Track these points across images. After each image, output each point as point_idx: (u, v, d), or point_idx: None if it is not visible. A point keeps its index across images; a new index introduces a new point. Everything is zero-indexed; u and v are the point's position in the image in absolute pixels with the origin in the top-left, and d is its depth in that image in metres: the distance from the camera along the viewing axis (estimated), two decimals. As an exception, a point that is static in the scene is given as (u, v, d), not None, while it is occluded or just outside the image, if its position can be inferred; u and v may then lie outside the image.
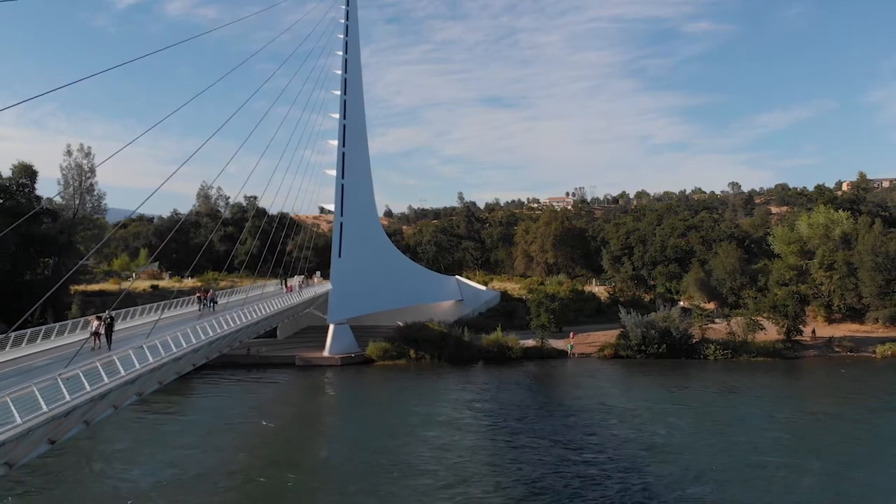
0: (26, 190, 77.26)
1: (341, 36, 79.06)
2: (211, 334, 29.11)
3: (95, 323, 29.41)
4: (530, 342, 70.85)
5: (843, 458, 37.35)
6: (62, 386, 17.32)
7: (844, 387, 58.65)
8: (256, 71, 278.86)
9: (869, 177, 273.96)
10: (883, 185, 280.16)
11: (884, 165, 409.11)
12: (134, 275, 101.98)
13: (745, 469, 35.28)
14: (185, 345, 26.60)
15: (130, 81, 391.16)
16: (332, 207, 74.93)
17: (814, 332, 76.68)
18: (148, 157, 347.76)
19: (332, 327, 66.99)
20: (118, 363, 20.76)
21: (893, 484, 34.09)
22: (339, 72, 77.69)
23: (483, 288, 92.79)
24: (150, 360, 23.16)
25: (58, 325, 31.90)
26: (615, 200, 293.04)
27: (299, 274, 75.95)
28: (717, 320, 76.02)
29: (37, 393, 16.54)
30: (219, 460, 36.28)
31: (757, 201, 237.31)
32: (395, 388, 57.52)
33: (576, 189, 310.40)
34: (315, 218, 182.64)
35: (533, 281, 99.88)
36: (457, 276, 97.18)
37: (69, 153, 74.25)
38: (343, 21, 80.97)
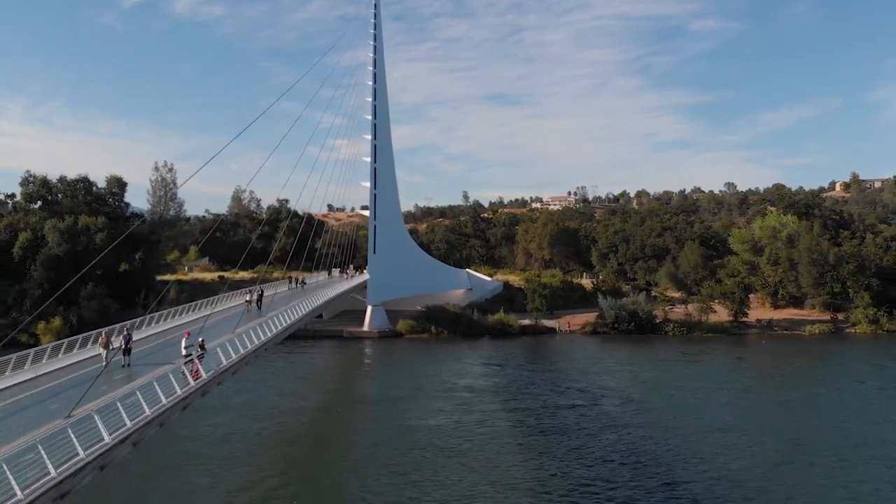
0: (118, 198, 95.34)
1: (370, 56, 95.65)
2: (326, 298, 47.04)
3: (247, 295, 47.28)
4: (527, 321, 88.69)
5: (745, 383, 55.32)
6: (278, 323, 35.13)
7: (766, 351, 76.73)
8: (260, 69, 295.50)
9: (868, 177, 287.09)
10: (875, 185, 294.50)
11: (888, 163, 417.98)
12: (186, 267, 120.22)
13: (673, 393, 53.08)
14: (312, 306, 44.44)
15: (136, 78, 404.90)
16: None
17: (758, 320, 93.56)
18: (153, 153, 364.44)
19: (369, 308, 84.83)
20: (306, 305, 38.56)
21: (762, 392, 51.78)
22: (369, 99, 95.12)
23: (489, 279, 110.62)
24: (304, 311, 40.96)
25: (217, 297, 49.75)
26: (616, 199, 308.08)
27: (335, 267, 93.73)
28: (678, 306, 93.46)
29: (261, 329, 34.32)
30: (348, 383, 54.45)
31: (753, 201, 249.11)
32: (423, 352, 75.43)
33: (577, 188, 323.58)
34: (324, 216, 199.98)
35: (531, 274, 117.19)
36: (467, 270, 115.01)
37: (156, 169, 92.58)
38: (371, 55, 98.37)
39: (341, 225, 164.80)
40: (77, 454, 15.88)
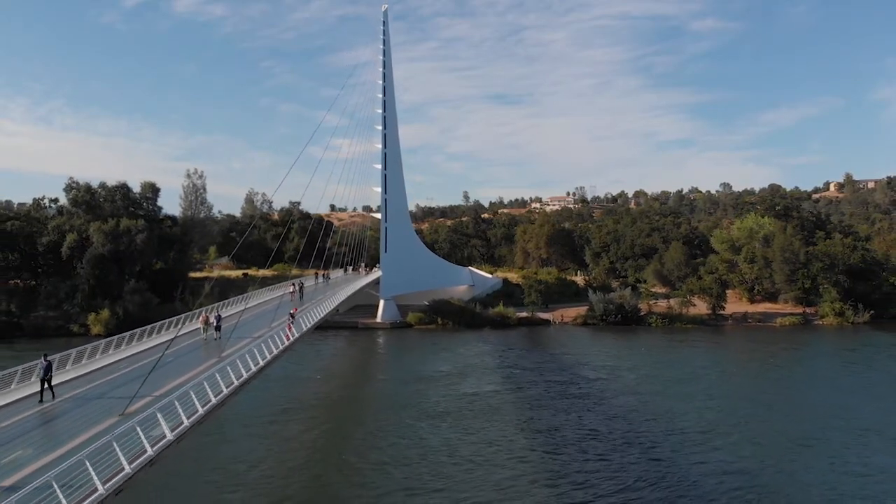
0: (151, 201, 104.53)
1: (379, 70, 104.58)
2: (357, 287, 56.36)
3: (290, 287, 56.62)
4: (524, 314, 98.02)
5: (718, 361, 64.87)
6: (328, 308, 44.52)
7: (739, 338, 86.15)
8: (261, 68, 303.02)
9: (867, 176, 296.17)
10: (868, 185, 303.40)
11: (891, 162, 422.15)
12: (208, 265, 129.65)
13: (656, 370, 62.53)
14: (350, 292, 53.75)
15: (137, 78, 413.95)
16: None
17: (733, 313, 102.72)
18: (154, 153, 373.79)
19: (382, 301, 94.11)
20: (344, 292, 47.90)
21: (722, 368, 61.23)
22: (378, 110, 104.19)
23: (489, 276, 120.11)
24: (344, 296, 50.31)
25: (268, 288, 59.01)
26: (614, 199, 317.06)
27: (348, 265, 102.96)
28: (661, 300, 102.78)
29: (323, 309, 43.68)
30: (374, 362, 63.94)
31: (746, 201, 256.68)
32: (432, 340, 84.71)
33: (576, 189, 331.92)
34: (326, 215, 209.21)
35: (528, 272, 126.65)
36: (469, 267, 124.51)
37: (188, 176, 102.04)
38: (381, 69, 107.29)
39: (344, 225, 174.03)
40: (232, 382, 25.13)
